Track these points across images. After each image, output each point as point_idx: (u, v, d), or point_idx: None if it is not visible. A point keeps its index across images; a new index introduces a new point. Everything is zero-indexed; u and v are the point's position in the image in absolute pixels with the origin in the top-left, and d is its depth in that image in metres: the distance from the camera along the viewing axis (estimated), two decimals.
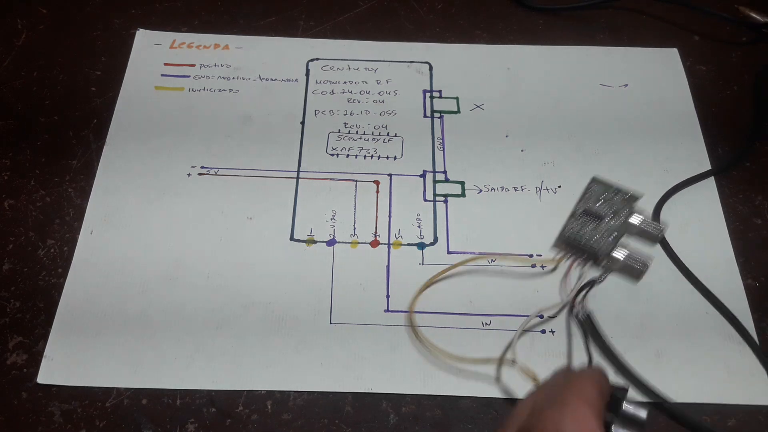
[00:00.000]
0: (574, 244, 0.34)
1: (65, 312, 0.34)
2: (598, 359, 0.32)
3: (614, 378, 0.32)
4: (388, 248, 0.36)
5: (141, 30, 0.45)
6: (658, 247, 0.36)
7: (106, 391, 0.32)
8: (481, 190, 0.38)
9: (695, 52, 0.45)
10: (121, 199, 0.37)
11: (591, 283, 0.34)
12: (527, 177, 0.39)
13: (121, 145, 0.39)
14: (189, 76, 0.43)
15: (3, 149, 0.40)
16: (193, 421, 0.31)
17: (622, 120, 0.41)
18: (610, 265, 0.34)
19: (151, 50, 0.44)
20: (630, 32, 0.46)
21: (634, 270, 0.34)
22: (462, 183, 0.38)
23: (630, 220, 0.35)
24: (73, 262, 0.35)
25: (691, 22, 0.46)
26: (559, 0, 0.47)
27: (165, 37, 0.45)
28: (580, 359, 0.33)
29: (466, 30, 0.46)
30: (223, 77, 0.43)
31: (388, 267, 0.36)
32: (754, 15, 0.45)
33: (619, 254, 0.34)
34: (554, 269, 0.35)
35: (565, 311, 0.34)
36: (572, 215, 0.35)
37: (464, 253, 0.36)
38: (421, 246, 0.36)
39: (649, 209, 0.37)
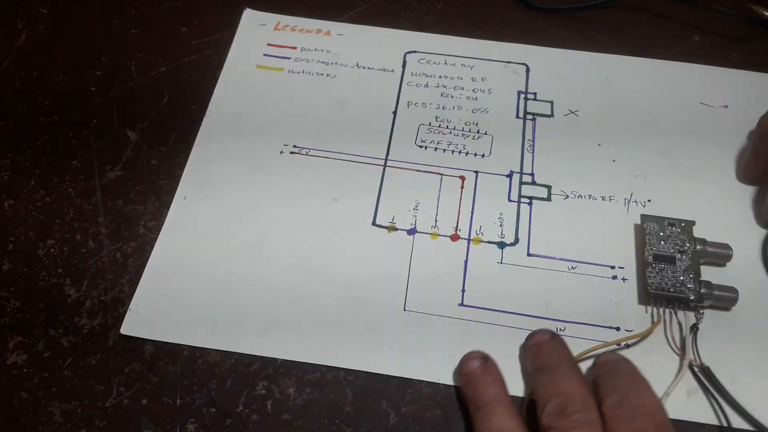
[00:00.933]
0: (663, 297, 0.33)
1: (153, 270, 0.35)
2: (717, 408, 0.31)
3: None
4: (468, 243, 0.36)
5: (248, 10, 0.46)
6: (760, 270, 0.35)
7: (106, 391, 0.32)
8: (567, 196, 0.38)
9: (695, 51, 0.44)
10: (216, 169, 0.39)
11: (693, 328, 0.33)
12: (616, 188, 0.38)
13: (220, 119, 0.41)
14: (290, 58, 0.44)
15: (3, 149, 0.40)
16: (193, 421, 0.32)
17: (719, 141, 0.40)
18: (702, 304, 0.33)
19: (255, 30, 0.45)
20: (631, 32, 0.45)
21: (726, 300, 0.33)
22: (549, 187, 0.38)
23: (698, 251, 0.34)
24: (163, 227, 0.37)
25: (698, 21, 0.45)
26: (562, 0, 0.47)
27: (270, 18, 0.46)
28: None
29: (465, 29, 0.45)
30: (322, 62, 0.44)
31: (466, 262, 0.36)
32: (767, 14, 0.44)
33: (707, 290, 0.33)
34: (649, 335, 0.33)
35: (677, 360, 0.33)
36: (645, 264, 0.34)
37: (544, 257, 0.36)
38: (501, 245, 0.36)
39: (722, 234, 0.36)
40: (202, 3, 0.47)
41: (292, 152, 0.40)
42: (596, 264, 0.35)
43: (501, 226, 0.37)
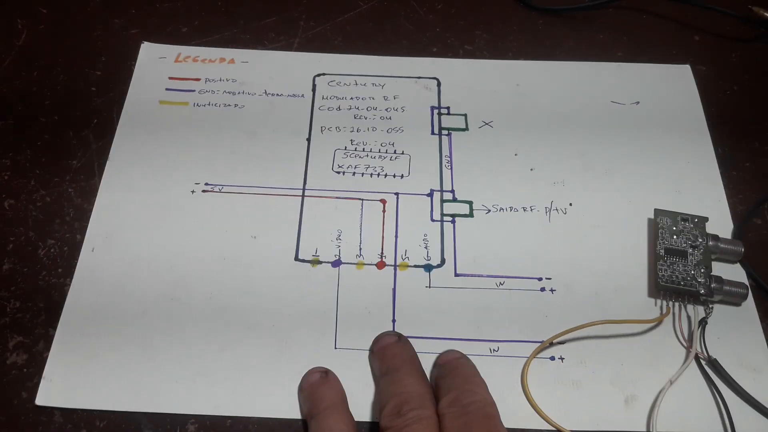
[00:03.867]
0: (673, 290, 0.34)
1: (65, 332, 0.33)
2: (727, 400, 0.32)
3: None
4: (395, 270, 0.35)
5: (146, 43, 0.44)
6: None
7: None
8: (489, 210, 0.37)
9: (695, 52, 0.45)
10: (124, 217, 0.37)
11: (702, 322, 0.33)
12: (537, 197, 0.38)
13: (124, 161, 0.39)
14: (194, 91, 0.42)
15: (3, 149, 0.40)
16: (193, 421, 0.31)
17: (633, 138, 0.40)
18: (712, 298, 0.34)
19: (155, 64, 0.43)
20: (632, 32, 0.46)
21: (736, 295, 0.34)
22: (470, 203, 0.38)
23: (709, 246, 0.35)
24: (72, 281, 0.35)
25: (698, 21, 0.46)
26: (564, 0, 0.47)
27: (170, 50, 0.44)
28: (598, 389, 0.32)
29: (465, 29, 0.46)
30: (228, 92, 0.42)
31: (394, 290, 0.35)
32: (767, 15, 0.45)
33: (717, 285, 0.34)
34: (658, 324, 0.34)
35: (683, 356, 0.33)
36: (657, 257, 0.34)
37: (472, 275, 0.35)
38: (428, 268, 0.35)
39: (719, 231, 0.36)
40: (201, 3, 0.47)
41: (204, 190, 0.38)
42: (523, 277, 0.35)
43: (426, 248, 0.36)
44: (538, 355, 0.33)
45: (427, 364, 0.32)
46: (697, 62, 0.44)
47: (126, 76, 0.43)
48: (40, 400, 0.31)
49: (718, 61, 0.44)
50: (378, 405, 0.30)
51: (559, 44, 0.45)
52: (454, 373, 0.31)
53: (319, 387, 0.31)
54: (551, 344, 0.33)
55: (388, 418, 0.28)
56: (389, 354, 0.32)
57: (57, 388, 0.32)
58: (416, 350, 0.33)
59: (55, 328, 0.34)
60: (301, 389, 0.32)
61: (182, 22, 0.46)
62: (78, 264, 0.35)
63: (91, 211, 0.37)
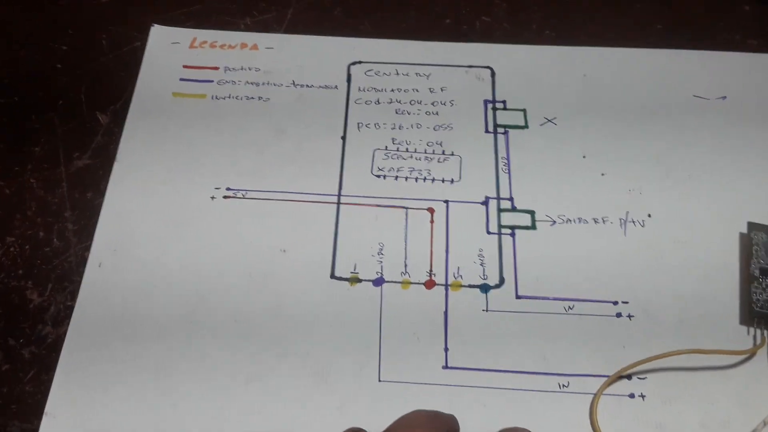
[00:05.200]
0: None
1: (70, 360, 0.30)
2: None
3: None
4: (446, 290, 0.32)
5: (156, 26, 0.40)
6: None
7: None
8: (554, 222, 0.33)
9: (744, 22, 0.41)
10: (134, 227, 0.33)
11: None
12: (609, 206, 0.34)
13: (133, 163, 0.35)
14: (212, 81, 0.38)
15: None
16: None
17: (720, 139, 0.36)
18: None
19: (168, 50, 0.39)
20: (671, 1, 0.42)
21: None
22: (532, 213, 0.34)
23: None
24: (77, 302, 0.32)
25: None
26: None
27: (184, 34, 0.40)
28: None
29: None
30: (251, 83, 0.38)
31: (446, 313, 0.31)
32: None
33: None
34: (752, 356, 0.30)
35: None
36: (751, 279, 0.31)
37: (536, 298, 0.31)
38: (485, 288, 0.32)
39: None
40: None
41: (225, 196, 0.34)
42: (596, 301, 0.31)
43: (482, 264, 0.32)
44: (616, 392, 0.29)
45: (485, 397, 0.29)
46: (748, 35, 0.40)
47: (97, 53, 0.39)
48: None
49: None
50: None
51: (589, 15, 0.41)
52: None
53: None
54: (628, 378, 0.30)
55: None
56: None
57: (61, 426, 0.28)
58: (473, 384, 0.29)
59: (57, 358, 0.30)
60: None
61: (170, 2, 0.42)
62: (83, 281, 0.32)
63: (56, 204, 0.35)
